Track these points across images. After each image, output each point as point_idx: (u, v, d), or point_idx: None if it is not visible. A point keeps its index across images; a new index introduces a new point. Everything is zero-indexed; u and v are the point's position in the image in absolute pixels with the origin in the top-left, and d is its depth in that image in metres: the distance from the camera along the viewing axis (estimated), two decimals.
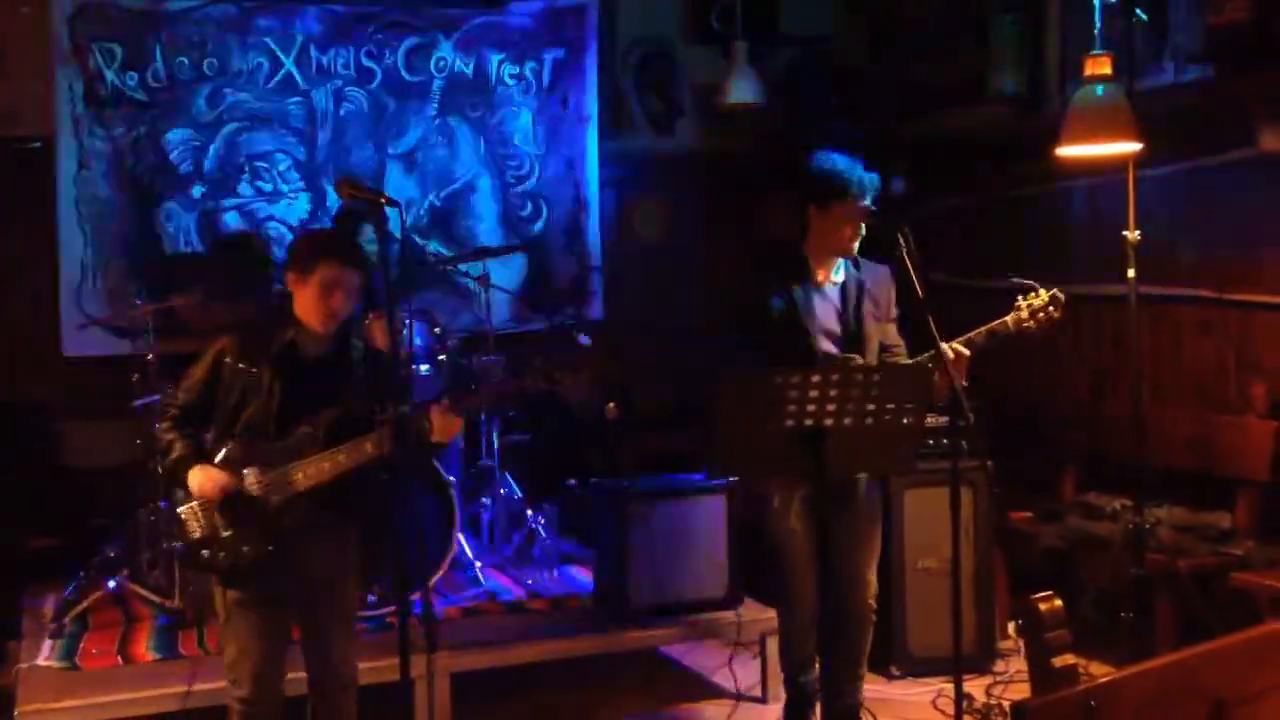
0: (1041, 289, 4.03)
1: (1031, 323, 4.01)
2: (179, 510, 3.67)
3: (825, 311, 4.15)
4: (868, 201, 4.05)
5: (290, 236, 6.55)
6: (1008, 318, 4.03)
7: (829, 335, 4.14)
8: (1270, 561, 4.84)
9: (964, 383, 3.92)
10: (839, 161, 4.08)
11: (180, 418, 3.70)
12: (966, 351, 3.95)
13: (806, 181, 4.14)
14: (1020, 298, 4.03)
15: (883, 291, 4.19)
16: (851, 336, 4.15)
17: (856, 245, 4.12)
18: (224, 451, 3.63)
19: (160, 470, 3.87)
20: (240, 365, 3.64)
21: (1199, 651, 2.27)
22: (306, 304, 3.67)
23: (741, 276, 4.39)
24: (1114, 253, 4.96)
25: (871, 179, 4.07)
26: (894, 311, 4.23)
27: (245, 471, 3.61)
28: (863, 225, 4.06)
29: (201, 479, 3.61)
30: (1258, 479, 5.12)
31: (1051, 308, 4.02)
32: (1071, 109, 4.94)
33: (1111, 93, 4.84)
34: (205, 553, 3.64)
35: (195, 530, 3.64)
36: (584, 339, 5.21)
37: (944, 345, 3.90)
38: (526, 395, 3.87)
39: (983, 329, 4.01)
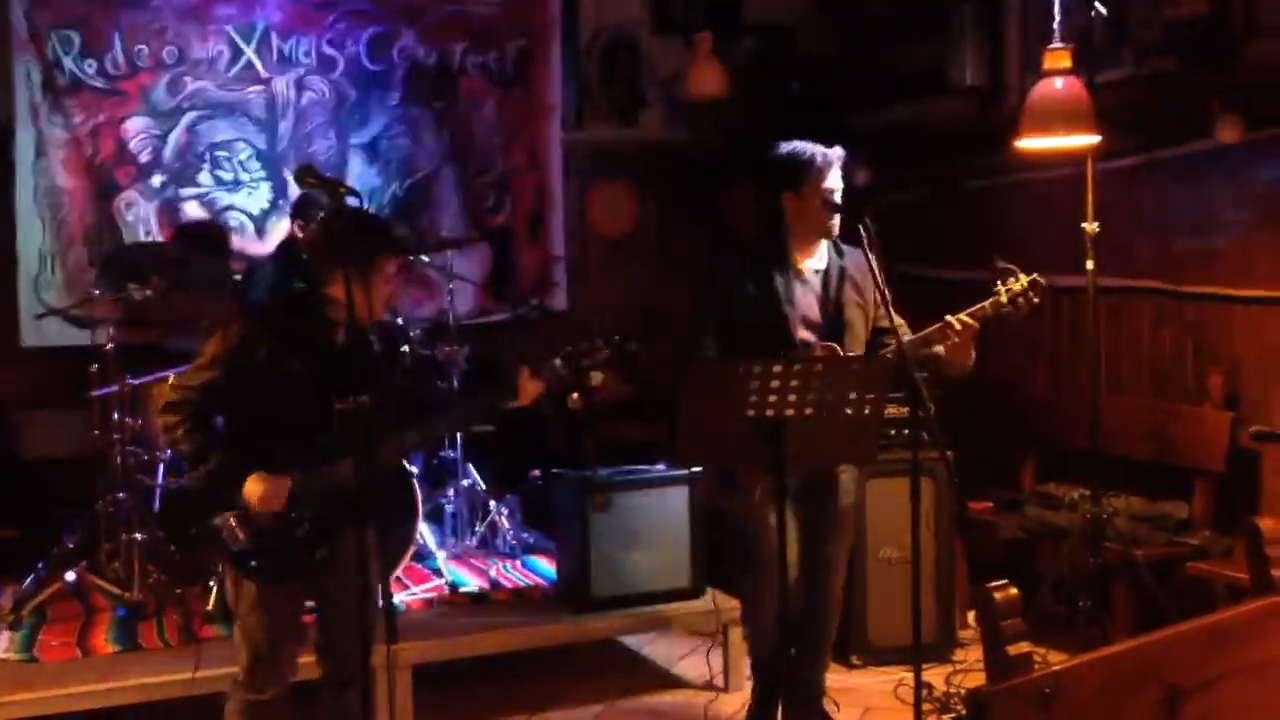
0: (1021, 273, 4.05)
1: (1011, 307, 4.04)
2: (216, 521, 3.53)
3: (806, 299, 4.15)
4: (838, 173, 4.08)
5: (250, 227, 6.51)
6: (987, 302, 4.04)
7: (809, 324, 4.14)
8: (1226, 551, 4.90)
9: (972, 354, 3.96)
10: (802, 144, 4.12)
11: (198, 409, 3.54)
12: (974, 323, 3.98)
13: (776, 170, 4.16)
14: (999, 282, 4.05)
15: (865, 276, 4.15)
16: (832, 324, 4.16)
17: (836, 225, 4.12)
18: (274, 455, 3.52)
19: (193, 473, 3.62)
20: (267, 353, 3.52)
21: (1153, 639, 2.29)
22: (360, 297, 3.46)
23: (717, 266, 4.39)
24: (1073, 244, 5.01)
25: (836, 151, 4.10)
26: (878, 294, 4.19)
27: (295, 479, 3.52)
28: (838, 204, 4.07)
29: (265, 491, 3.47)
30: (1214, 469, 5.18)
31: (1031, 292, 4.04)
32: (1031, 101, 4.97)
33: (1070, 85, 4.88)
34: (254, 562, 3.55)
35: (239, 537, 3.53)
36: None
37: (950, 318, 3.93)
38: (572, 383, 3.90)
39: (963, 313, 4.03)
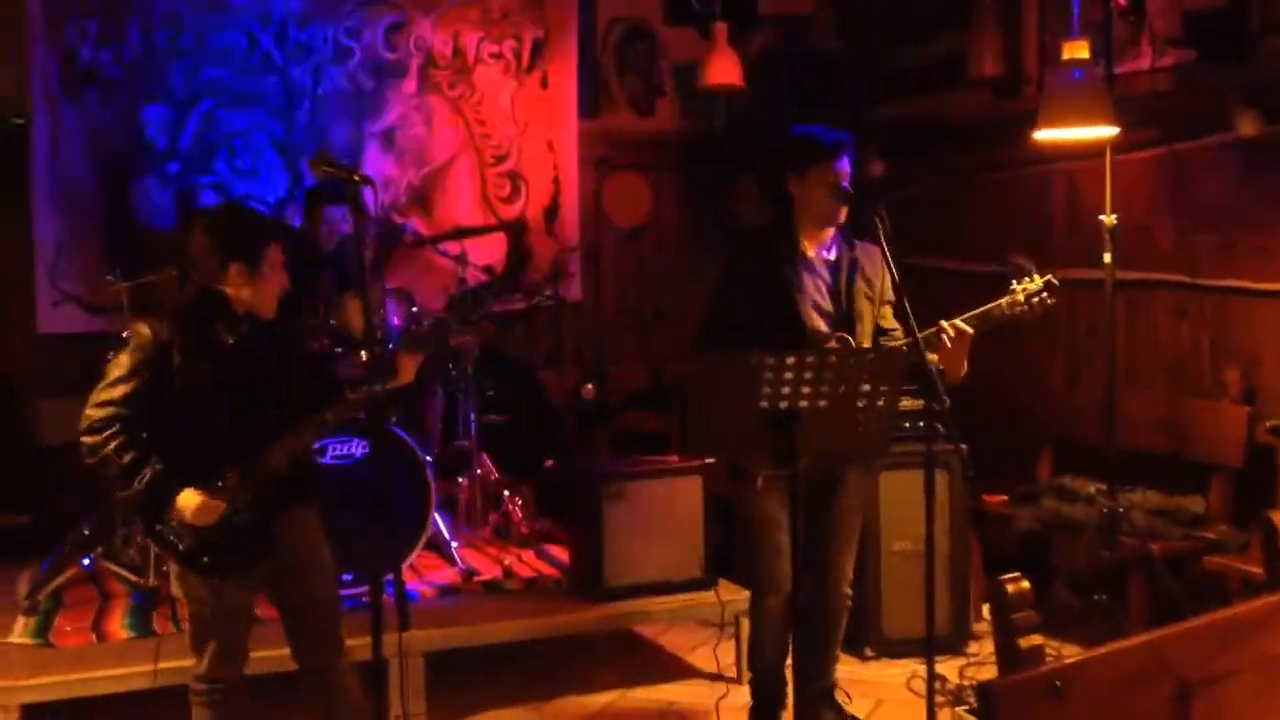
0: (1036, 274, 4.01)
1: (1026, 307, 4.00)
2: (159, 529, 3.54)
3: (817, 288, 4.13)
4: (844, 161, 4.05)
5: (268, 214, 6.52)
6: (1002, 300, 3.99)
7: (820, 312, 4.12)
8: (1242, 546, 4.88)
9: (964, 366, 3.94)
10: (809, 129, 4.11)
11: (127, 424, 3.49)
12: (969, 329, 3.94)
13: (783, 155, 4.15)
14: (1015, 281, 4.01)
15: (877, 272, 4.15)
16: (843, 314, 4.14)
17: (843, 214, 4.10)
18: (202, 456, 3.52)
19: (122, 492, 3.60)
20: (182, 354, 3.51)
21: (1165, 633, 2.28)
22: (255, 291, 3.57)
23: (729, 255, 4.37)
24: (1090, 237, 4.99)
25: (842, 138, 4.08)
26: (890, 294, 4.17)
27: (228, 474, 3.52)
28: (845, 189, 4.06)
29: (197, 508, 3.47)
30: (1231, 464, 5.15)
31: (1046, 293, 4.00)
32: (1049, 93, 4.95)
33: (1089, 77, 4.85)
34: (206, 559, 3.55)
35: (184, 541, 3.54)
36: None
37: (944, 324, 3.91)
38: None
39: (977, 311, 4.00)
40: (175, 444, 3.53)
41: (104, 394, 3.51)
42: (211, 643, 3.63)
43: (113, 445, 3.46)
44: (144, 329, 3.53)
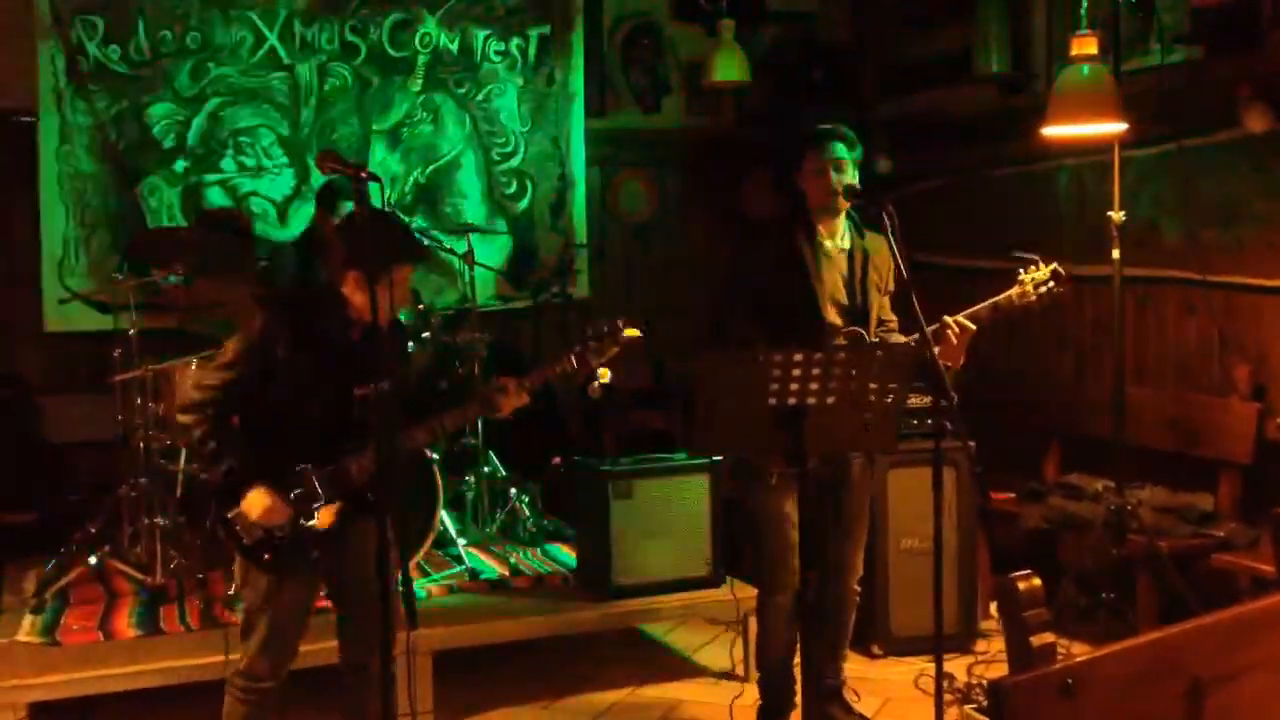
0: (1042, 263, 4.02)
1: (1034, 296, 4.01)
2: (229, 515, 3.53)
3: (833, 279, 4.13)
4: (836, 148, 4.06)
5: (273, 212, 6.53)
6: (1011, 291, 4.01)
7: (837, 305, 4.13)
8: (1251, 543, 4.86)
9: (962, 357, 3.94)
10: (800, 120, 4.14)
11: (220, 409, 3.51)
12: (972, 326, 3.95)
13: (781, 150, 4.18)
14: (1022, 271, 4.02)
15: (884, 262, 4.16)
16: (857, 307, 4.14)
17: (840, 198, 4.07)
18: (287, 452, 3.53)
19: (209, 471, 3.62)
20: (288, 348, 3.50)
21: (1177, 631, 2.26)
22: (369, 301, 3.48)
23: (741, 248, 4.37)
24: (1098, 233, 4.98)
25: (832, 126, 4.09)
26: (891, 285, 4.21)
27: (306, 480, 3.52)
28: (839, 176, 4.04)
29: (265, 509, 3.48)
30: (1240, 461, 5.14)
31: (1053, 282, 4.01)
32: (1057, 88, 4.94)
33: (1097, 73, 4.84)
34: (268, 556, 3.55)
35: (251, 534, 3.54)
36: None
37: (948, 319, 3.91)
38: (563, 379, 3.83)
39: (986, 303, 4.00)
40: (263, 438, 3.55)
41: (207, 377, 3.57)
42: (258, 636, 3.61)
43: (200, 431, 3.51)
44: (257, 319, 3.55)
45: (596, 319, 3.84)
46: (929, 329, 3.87)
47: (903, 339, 4.08)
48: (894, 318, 4.23)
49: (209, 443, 3.51)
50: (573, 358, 3.76)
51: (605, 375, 3.86)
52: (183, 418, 3.57)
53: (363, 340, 3.57)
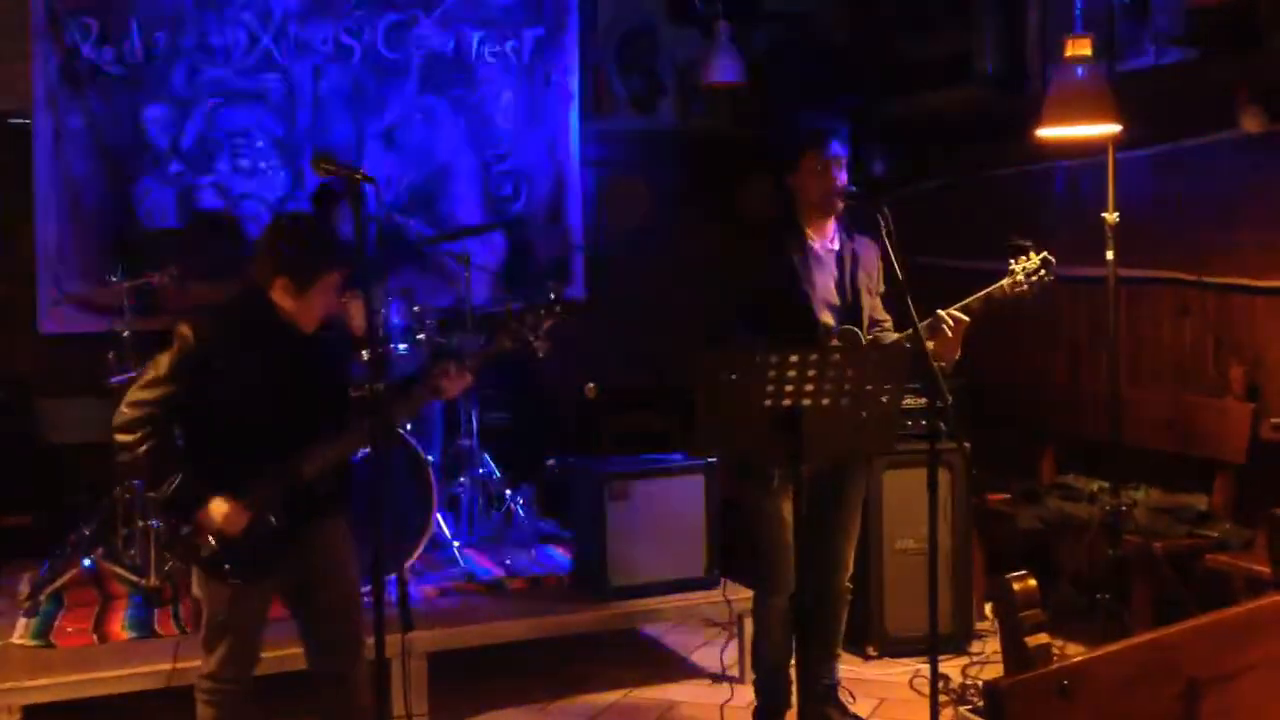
0: (1033, 251, 4.03)
1: (1025, 285, 4.02)
2: (185, 532, 3.53)
3: (824, 281, 4.13)
4: (835, 146, 4.05)
5: (267, 215, 6.51)
6: (1003, 281, 4.03)
7: (829, 306, 4.12)
8: (1246, 543, 4.87)
9: (958, 351, 3.94)
10: (798, 118, 4.12)
11: (160, 425, 3.49)
12: (965, 318, 3.96)
13: (776, 150, 4.16)
14: (1013, 260, 4.03)
15: (874, 263, 4.18)
16: (849, 308, 4.15)
17: (839, 200, 4.07)
18: (236, 461, 3.51)
19: (152, 491, 3.59)
20: (223, 353, 3.50)
21: (1173, 631, 2.27)
22: (299, 307, 3.55)
23: (736, 251, 4.36)
24: (1093, 234, 4.98)
25: (826, 123, 4.08)
26: (881, 286, 4.22)
27: (252, 478, 3.50)
28: (839, 174, 4.04)
29: (225, 516, 3.46)
30: (1235, 461, 5.14)
31: (1044, 270, 4.02)
32: (1052, 90, 4.94)
33: (1092, 74, 4.84)
34: (227, 565, 3.54)
35: (211, 545, 3.53)
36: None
37: (941, 312, 3.92)
38: (503, 356, 3.84)
39: (979, 294, 4.01)
40: (209, 449, 3.53)
41: (140, 393, 3.51)
42: (224, 644, 3.62)
43: (144, 447, 3.47)
44: (187, 331, 3.51)
45: (534, 300, 3.86)
46: (923, 323, 3.89)
47: (896, 336, 4.08)
48: (888, 317, 4.23)
49: (155, 458, 3.47)
50: (507, 335, 3.77)
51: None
52: (121, 436, 3.49)
53: (301, 344, 3.57)
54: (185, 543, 3.56)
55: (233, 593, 3.58)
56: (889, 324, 4.21)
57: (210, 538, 3.51)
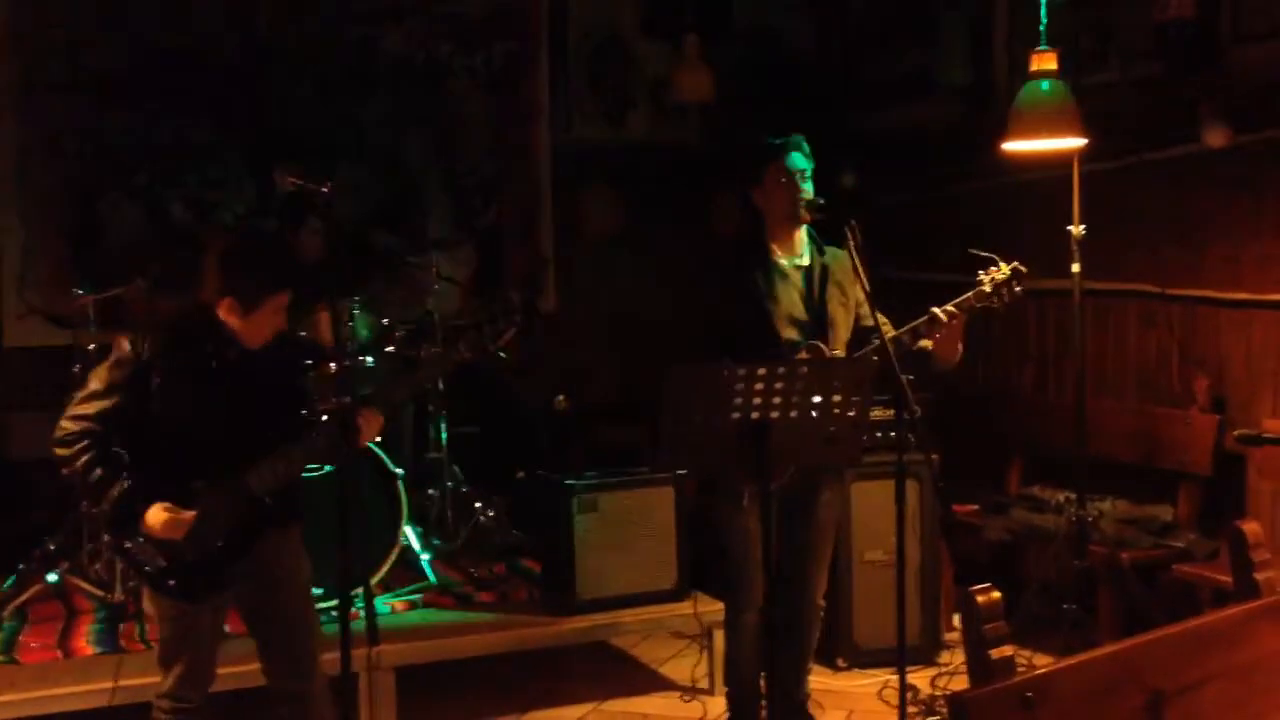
0: (1002, 262, 4.04)
1: (994, 297, 4.02)
2: (129, 547, 3.51)
3: (789, 296, 4.12)
4: (796, 158, 4.06)
5: (236, 226, 6.49)
6: (970, 293, 4.01)
7: (794, 322, 4.11)
8: (1211, 554, 4.90)
9: (959, 349, 3.96)
10: (759, 132, 4.14)
11: (98, 439, 3.46)
12: (961, 313, 3.95)
13: (739, 165, 4.17)
14: (981, 272, 4.04)
15: (848, 277, 4.14)
16: (817, 322, 4.13)
17: (805, 210, 4.06)
18: (179, 475, 3.48)
19: (91, 507, 3.60)
20: (162, 368, 3.46)
21: (1137, 642, 2.28)
22: (245, 326, 3.53)
23: (702, 267, 4.37)
24: (1059, 247, 5.01)
25: (793, 138, 4.09)
26: (861, 298, 4.14)
27: (197, 487, 3.47)
28: (804, 186, 4.05)
29: (164, 523, 3.43)
30: (1200, 472, 5.18)
31: (1013, 281, 4.03)
32: (1017, 104, 4.97)
33: (1057, 88, 4.88)
34: (172, 581, 3.52)
35: (157, 560, 3.51)
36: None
37: (936, 310, 3.93)
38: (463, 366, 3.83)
39: (948, 305, 4.01)
40: (151, 463, 3.49)
41: (79, 407, 3.49)
42: (179, 663, 3.59)
43: (82, 460, 3.44)
44: (126, 344, 3.48)
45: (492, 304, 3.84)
46: (917, 322, 3.90)
47: (896, 331, 4.05)
48: (885, 320, 4.16)
49: (94, 470, 3.44)
50: (467, 345, 3.75)
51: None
52: (59, 451, 3.47)
53: (245, 360, 3.55)
54: (130, 558, 3.54)
55: (181, 609, 3.56)
56: (886, 324, 4.03)
57: (156, 555, 3.48)
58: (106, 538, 3.60)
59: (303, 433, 3.57)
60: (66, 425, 3.48)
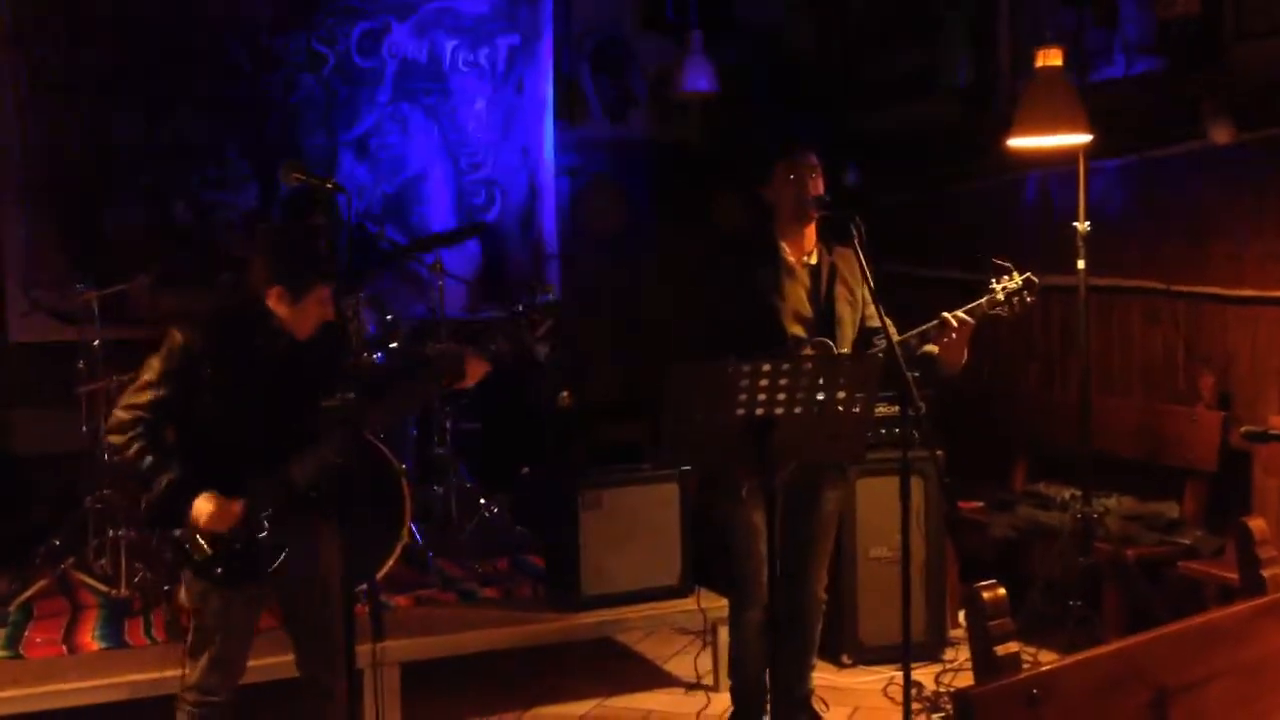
0: (1016, 272, 4.02)
1: (1005, 306, 4.00)
2: (176, 535, 3.52)
3: (796, 294, 4.12)
4: (805, 154, 4.06)
5: (239, 225, 6.48)
6: (983, 300, 3.98)
7: (800, 318, 4.11)
8: (1217, 551, 4.89)
9: (965, 354, 3.95)
10: (766, 130, 4.13)
11: (151, 429, 3.50)
12: (970, 320, 3.94)
13: (747, 162, 4.17)
14: (994, 280, 4.01)
15: (855, 276, 4.13)
16: (823, 320, 4.13)
17: (813, 209, 4.05)
18: (228, 465, 3.51)
19: (144, 498, 3.55)
20: (213, 359, 3.50)
21: (1142, 639, 2.28)
22: (294, 315, 3.56)
23: (707, 262, 4.36)
24: (1064, 244, 5.01)
25: (801, 133, 4.09)
26: (868, 296, 4.16)
27: (246, 486, 3.51)
28: (812, 183, 4.05)
29: (212, 513, 3.46)
30: (1205, 469, 5.18)
31: (1026, 291, 4.01)
32: (1022, 101, 4.97)
33: (1062, 85, 4.87)
34: (220, 569, 3.53)
35: (203, 549, 3.52)
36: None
37: (946, 315, 3.91)
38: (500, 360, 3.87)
39: (958, 310, 4.00)
40: (201, 453, 3.53)
41: (131, 397, 3.54)
42: (209, 651, 3.60)
43: (134, 449, 3.48)
44: (177, 336, 3.52)
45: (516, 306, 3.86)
46: (928, 325, 3.89)
47: (904, 335, 4.05)
48: (887, 323, 4.16)
49: (146, 458, 3.48)
50: (505, 339, 3.81)
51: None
52: (114, 438, 3.53)
53: (293, 351, 3.59)
54: (177, 546, 3.55)
55: (222, 599, 3.57)
56: (890, 327, 4.04)
57: (203, 542, 3.50)
58: (152, 527, 3.62)
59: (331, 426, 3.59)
60: (120, 415, 3.53)
